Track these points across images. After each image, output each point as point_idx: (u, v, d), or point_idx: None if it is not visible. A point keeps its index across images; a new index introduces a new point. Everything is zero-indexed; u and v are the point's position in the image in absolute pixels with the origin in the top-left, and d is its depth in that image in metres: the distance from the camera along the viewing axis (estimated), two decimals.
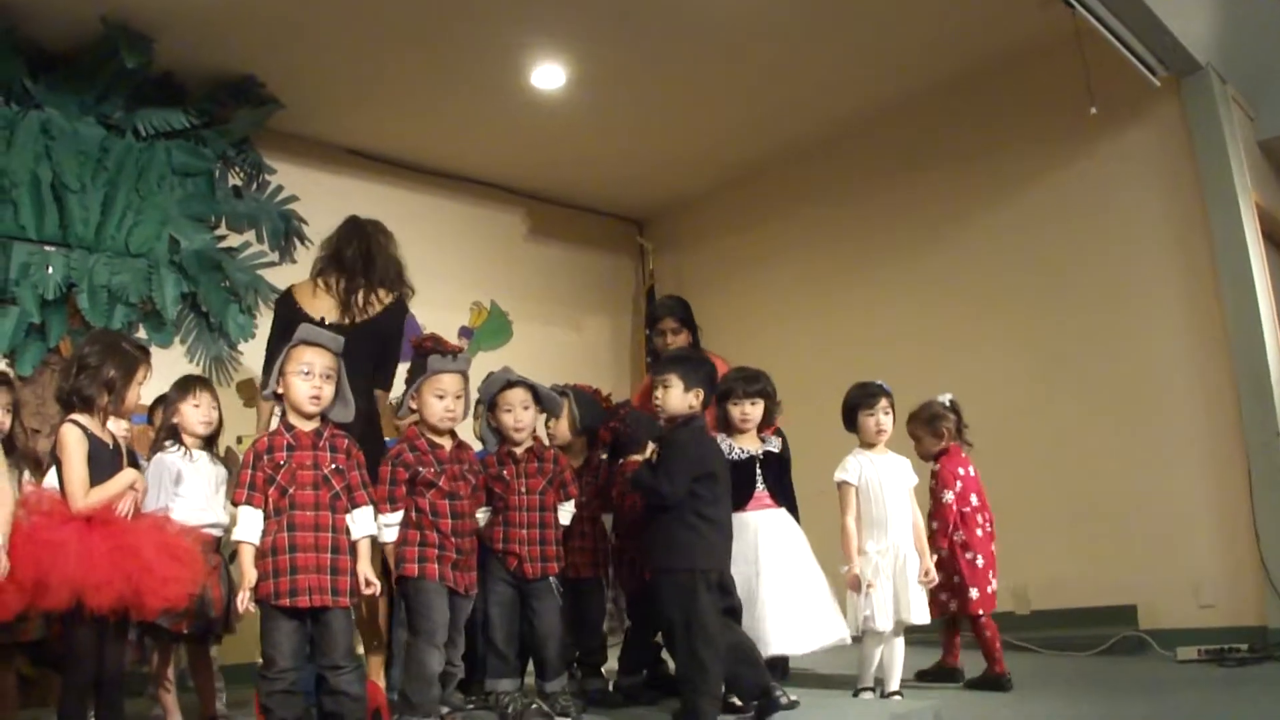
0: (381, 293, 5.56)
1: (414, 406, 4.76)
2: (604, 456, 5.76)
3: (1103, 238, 7.71)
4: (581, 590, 5.44)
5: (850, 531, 5.18)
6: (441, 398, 4.70)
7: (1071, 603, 7.38)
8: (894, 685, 5.20)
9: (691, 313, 6.58)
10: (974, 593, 5.71)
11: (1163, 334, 7.42)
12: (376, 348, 5.37)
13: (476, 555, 4.80)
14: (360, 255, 5.60)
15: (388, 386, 5.57)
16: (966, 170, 8.51)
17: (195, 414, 4.99)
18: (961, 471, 5.96)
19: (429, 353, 4.77)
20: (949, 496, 5.87)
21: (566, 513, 5.23)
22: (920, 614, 5.14)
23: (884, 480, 5.24)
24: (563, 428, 5.64)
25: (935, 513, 5.88)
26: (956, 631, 6.03)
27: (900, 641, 5.24)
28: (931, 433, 6.07)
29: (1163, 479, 7.24)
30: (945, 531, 5.82)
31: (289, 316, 5.23)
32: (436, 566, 4.53)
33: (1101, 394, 7.58)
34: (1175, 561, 7.09)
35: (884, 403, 5.36)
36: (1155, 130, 7.63)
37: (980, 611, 5.72)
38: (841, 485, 5.26)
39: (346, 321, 5.32)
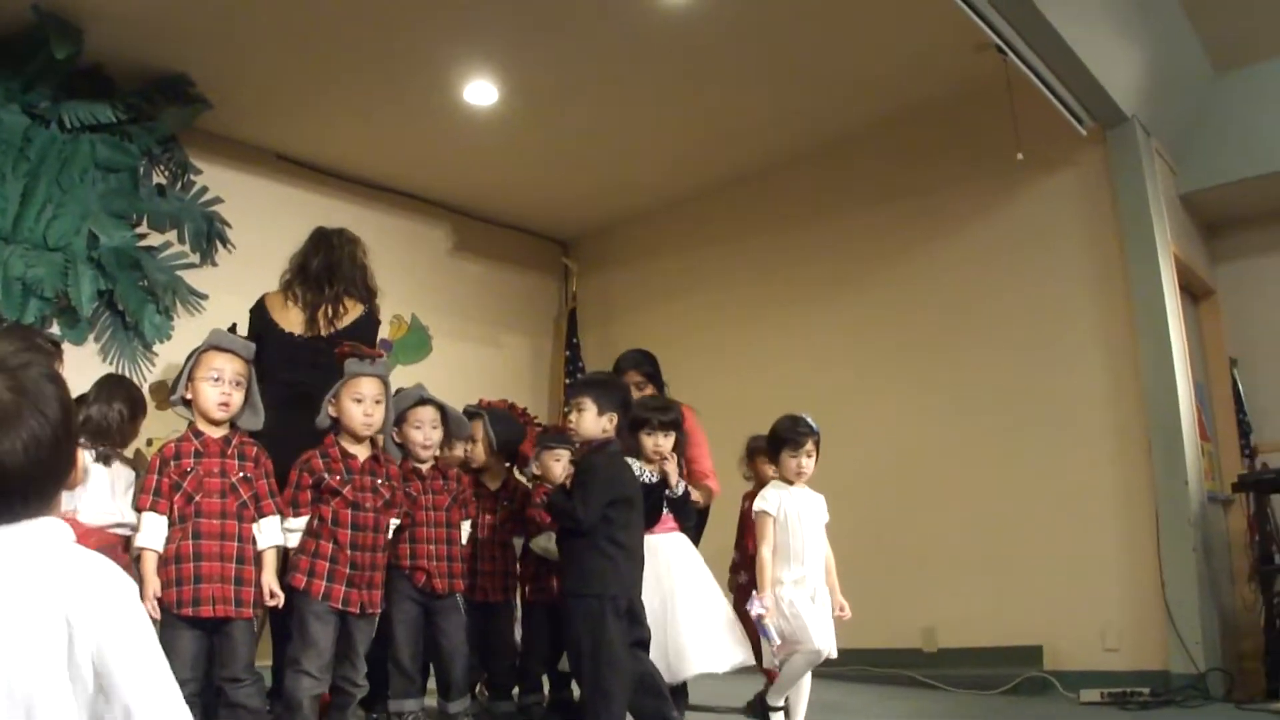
0: (349, 303, 5.57)
1: (333, 413, 4.69)
2: (520, 478, 5.75)
3: (1024, 282, 7.81)
4: (490, 613, 5.43)
5: (766, 561, 5.16)
6: (359, 402, 4.65)
7: (978, 641, 7.42)
8: (799, 717, 5.24)
9: (658, 366, 6.51)
10: None
11: (1079, 380, 7.50)
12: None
13: (381, 573, 4.72)
14: (324, 267, 5.61)
15: None
16: (894, 210, 8.57)
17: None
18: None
19: (347, 357, 4.74)
20: None
21: (464, 531, 5.23)
22: (831, 646, 5.10)
23: (801, 513, 5.22)
24: (479, 450, 5.63)
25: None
26: None
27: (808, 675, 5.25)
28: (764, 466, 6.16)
29: (1073, 522, 7.30)
30: None
31: (261, 327, 5.31)
32: (324, 583, 4.45)
33: (1016, 437, 7.65)
34: (1082, 604, 7.16)
35: (809, 444, 5.34)
36: (1080, 179, 7.74)
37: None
38: (760, 515, 5.24)
39: (311, 335, 5.34)
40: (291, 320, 5.39)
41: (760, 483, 6.21)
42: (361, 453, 4.70)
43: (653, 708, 4.65)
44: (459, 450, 5.59)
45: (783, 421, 5.46)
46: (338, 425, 4.70)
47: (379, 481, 4.71)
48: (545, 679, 5.76)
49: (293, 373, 5.18)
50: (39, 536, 1.76)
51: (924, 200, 8.41)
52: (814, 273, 9.04)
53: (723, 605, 5.49)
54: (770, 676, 5.64)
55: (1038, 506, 7.45)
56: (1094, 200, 7.65)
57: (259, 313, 5.46)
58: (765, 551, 5.16)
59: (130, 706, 1.72)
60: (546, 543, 5.56)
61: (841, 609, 5.25)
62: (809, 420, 5.37)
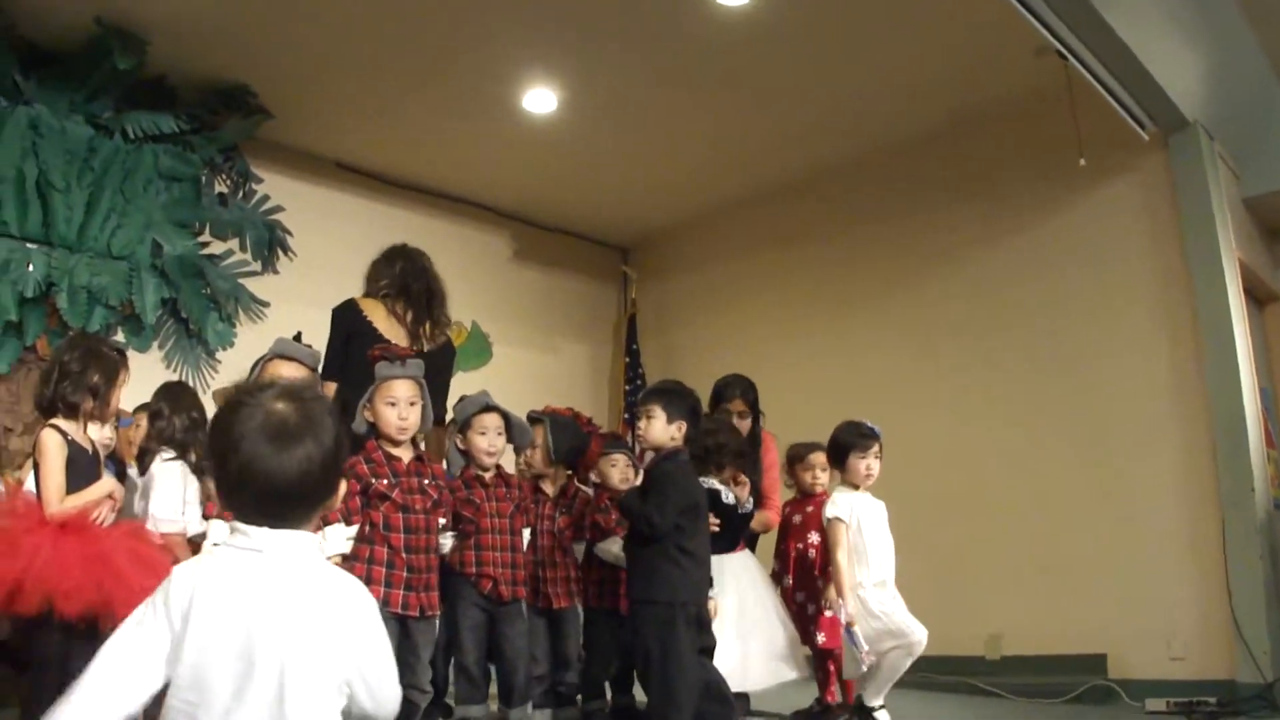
0: (437, 331, 5.77)
1: (369, 418, 4.69)
2: (581, 485, 5.76)
3: (1086, 287, 7.72)
4: (556, 619, 5.43)
5: (843, 567, 5.15)
6: (393, 405, 4.64)
7: (1042, 650, 7.35)
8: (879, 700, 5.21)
9: (758, 396, 6.55)
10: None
11: (1143, 386, 7.41)
12: (434, 381, 5.23)
13: (436, 574, 4.71)
14: (425, 291, 5.81)
15: (440, 421, 5.63)
16: (952, 215, 8.51)
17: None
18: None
19: (379, 360, 4.74)
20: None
21: (524, 538, 5.24)
22: (918, 629, 5.11)
23: (870, 518, 5.24)
24: (537, 457, 5.63)
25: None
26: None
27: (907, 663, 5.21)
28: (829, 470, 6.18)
29: (1138, 530, 7.21)
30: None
31: (358, 329, 5.42)
32: (382, 589, 4.44)
33: (1080, 443, 7.56)
34: (1147, 612, 7.06)
35: (876, 447, 5.35)
36: (1142, 184, 7.64)
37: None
38: (833, 522, 5.24)
39: (415, 350, 5.38)
40: (395, 333, 5.49)
41: (800, 491, 6.23)
42: (405, 455, 4.70)
43: (718, 714, 4.65)
44: (537, 455, 5.62)
45: (845, 426, 5.45)
46: (375, 430, 4.70)
47: (425, 482, 4.71)
48: (607, 685, 5.77)
49: None
50: (301, 545, 2.13)
51: (983, 206, 8.34)
52: (872, 277, 9.00)
53: (786, 622, 5.59)
54: (847, 687, 5.67)
55: (1102, 513, 7.36)
56: (1156, 205, 7.55)
57: (354, 315, 5.53)
58: (841, 557, 5.15)
59: (370, 683, 2.09)
60: (616, 549, 5.57)
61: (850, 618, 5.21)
62: (870, 424, 5.38)
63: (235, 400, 2.15)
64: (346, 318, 5.50)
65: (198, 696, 1.99)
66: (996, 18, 6.15)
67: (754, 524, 6.04)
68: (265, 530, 2.09)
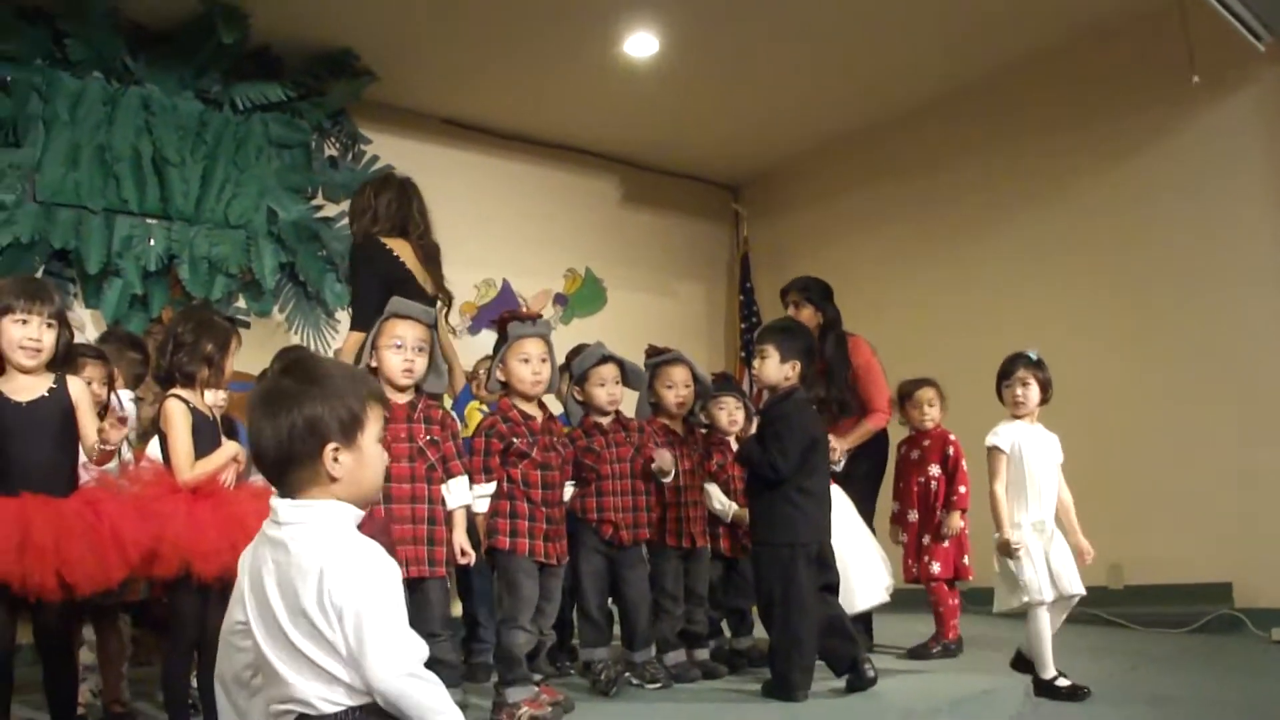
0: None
1: (502, 378, 4.76)
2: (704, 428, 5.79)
3: (1203, 207, 7.54)
4: (686, 557, 5.50)
5: (1000, 498, 4.94)
6: (526, 361, 4.71)
7: (1165, 579, 7.25)
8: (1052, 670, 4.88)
9: (820, 294, 6.46)
10: (966, 558, 6.04)
11: (1263, 308, 7.24)
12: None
13: (564, 525, 4.82)
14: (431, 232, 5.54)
15: None
16: (1063, 140, 8.34)
17: None
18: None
19: (509, 321, 4.81)
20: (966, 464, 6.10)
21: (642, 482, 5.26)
22: (1076, 584, 4.85)
23: (1034, 452, 5.01)
24: (689, 395, 5.62)
25: (962, 478, 6.08)
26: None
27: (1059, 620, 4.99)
28: (941, 404, 6.23)
29: (1262, 455, 7.05)
30: (968, 494, 6.05)
31: (393, 272, 5.13)
32: (528, 540, 4.55)
33: (1200, 369, 7.42)
34: (1274, 540, 6.90)
35: (1022, 373, 5.10)
36: (1259, 97, 7.42)
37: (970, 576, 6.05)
38: (992, 451, 5.01)
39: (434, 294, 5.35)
40: (423, 277, 5.28)
41: (913, 428, 6.19)
42: (538, 414, 4.78)
43: (842, 649, 4.69)
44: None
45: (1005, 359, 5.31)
46: (507, 388, 4.77)
47: (556, 440, 4.79)
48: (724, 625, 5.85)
49: None
50: (311, 513, 2.27)
51: (1094, 129, 8.17)
52: (984, 205, 8.89)
53: (876, 545, 5.69)
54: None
55: (1225, 440, 7.24)
56: (1274, 120, 7.34)
57: (387, 258, 5.18)
58: (998, 488, 4.93)
59: (354, 648, 2.14)
60: (719, 502, 5.61)
61: (1084, 553, 4.99)
62: (1025, 351, 5.18)
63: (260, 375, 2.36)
64: (378, 261, 5.15)
65: (262, 662, 2.24)
66: None
67: (870, 424, 6.14)
68: (285, 503, 2.28)
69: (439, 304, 5.31)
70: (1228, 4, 6.69)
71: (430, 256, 5.36)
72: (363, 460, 2.31)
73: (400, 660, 2.14)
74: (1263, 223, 7.33)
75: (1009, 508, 4.91)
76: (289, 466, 2.26)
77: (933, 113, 9.29)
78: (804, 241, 10.26)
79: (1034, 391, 5.06)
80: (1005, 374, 5.14)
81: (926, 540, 6.05)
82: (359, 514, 2.31)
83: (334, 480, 2.27)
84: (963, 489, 6.02)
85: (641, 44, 8.04)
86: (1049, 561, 4.81)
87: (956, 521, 5.94)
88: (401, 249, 5.21)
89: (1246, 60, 7.21)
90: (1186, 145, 7.68)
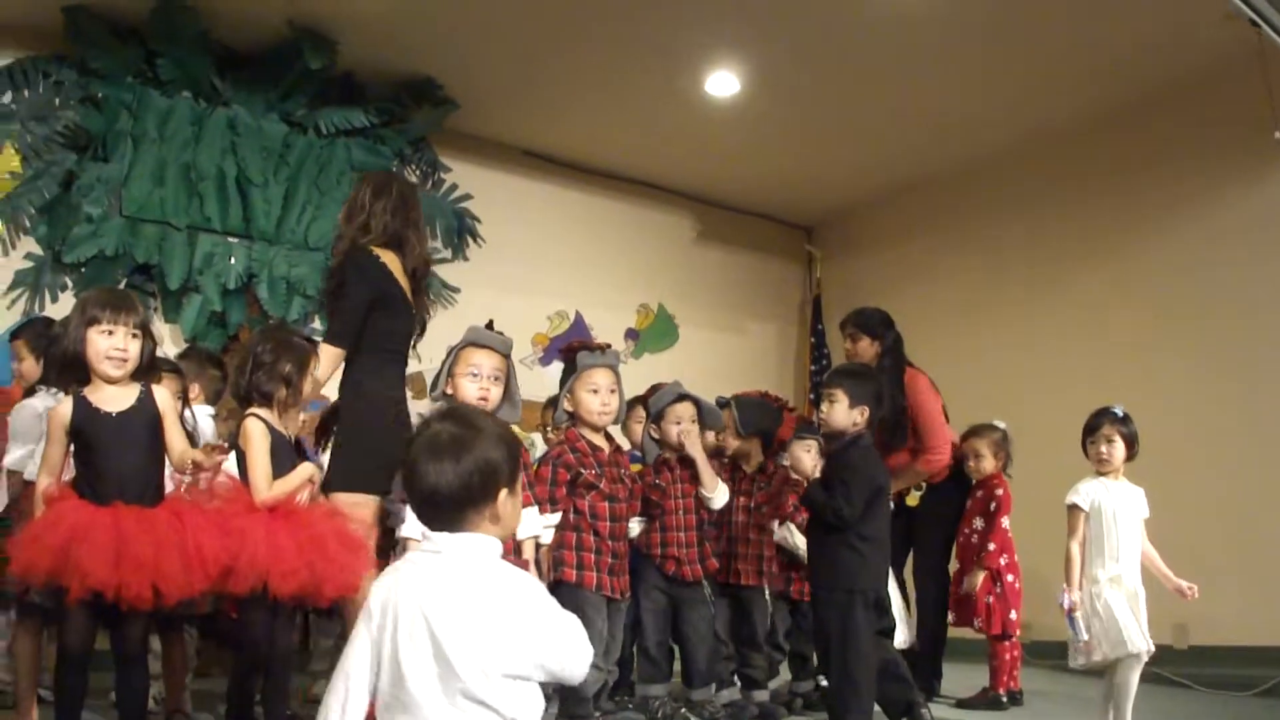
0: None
1: (569, 408, 4.78)
2: (782, 460, 5.76)
3: None
4: (743, 598, 5.48)
5: (1074, 556, 4.95)
6: (595, 392, 4.74)
7: (1231, 640, 7.14)
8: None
9: (877, 323, 6.40)
10: (1014, 614, 5.88)
11: None
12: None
13: (627, 560, 4.83)
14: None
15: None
16: (1140, 194, 8.26)
17: None
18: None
19: (578, 351, 4.82)
20: (1007, 521, 5.96)
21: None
22: (1148, 643, 4.83)
23: (1117, 508, 4.98)
24: (728, 436, 5.66)
25: (994, 535, 5.91)
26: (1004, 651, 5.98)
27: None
28: (994, 455, 6.08)
29: None
30: (1009, 552, 5.94)
31: (387, 289, 4.73)
32: (595, 574, 4.57)
33: (1269, 431, 7.31)
34: None
35: (1107, 429, 5.07)
36: None
37: (1016, 632, 5.92)
38: (1071, 509, 5.02)
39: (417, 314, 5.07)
40: (410, 296, 4.89)
41: (979, 474, 6.12)
42: (605, 445, 4.80)
43: (898, 694, 4.68)
44: (726, 436, 5.67)
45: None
46: (574, 419, 4.79)
47: (623, 472, 4.82)
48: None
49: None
50: (475, 545, 2.36)
51: (1174, 182, 8.06)
52: (1062, 255, 8.79)
53: (896, 595, 5.59)
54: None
55: None
56: None
57: (381, 271, 4.74)
58: (1074, 546, 4.95)
59: (551, 668, 2.29)
60: (790, 538, 5.61)
61: (1189, 589, 4.99)
62: (1110, 407, 5.14)
63: (421, 423, 2.50)
64: (370, 275, 4.70)
65: (399, 690, 2.28)
66: None
67: (919, 466, 6.05)
68: (444, 534, 2.37)
69: (419, 327, 5.05)
70: None
71: (420, 273, 5.01)
72: (516, 504, 2.46)
73: (588, 649, 2.35)
74: None
75: (1088, 564, 4.91)
76: (465, 506, 2.36)
77: (1007, 162, 9.24)
78: (876, 285, 10.18)
79: (1119, 448, 5.02)
80: (1090, 429, 5.11)
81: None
82: (501, 551, 2.42)
83: (497, 521, 2.39)
84: (992, 546, 5.89)
85: (722, 83, 8.07)
86: (1130, 618, 4.78)
87: (976, 580, 5.85)
88: (392, 263, 4.82)
89: None
90: (1266, 201, 7.59)
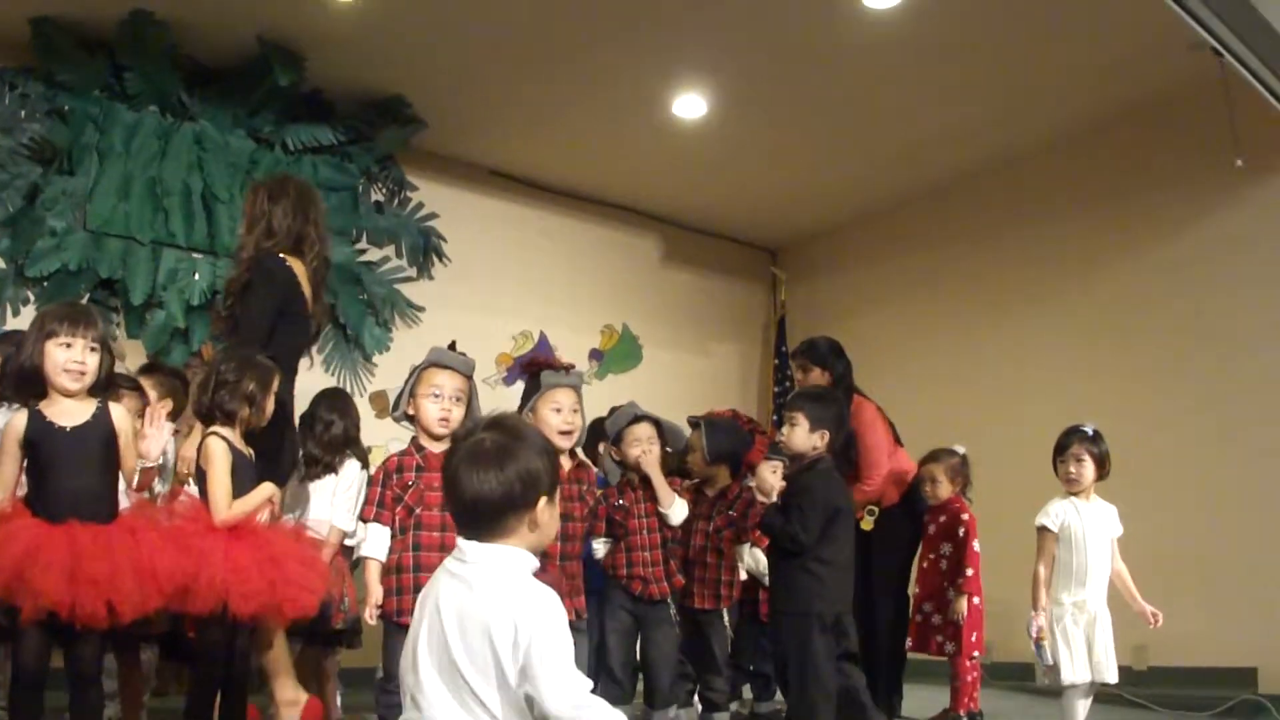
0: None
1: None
2: (748, 483, 5.78)
3: (1244, 289, 7.51)
4: (701, 621, 5.50)
5: (1040, 579, 5.01)
6: (559, 411, 4.73)
7: (1190, 661, 7.19)
8: None
9: (826, 352, 6.30)
10: (974, 635, 5.88)
11: None
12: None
13: (582, 580, 4.80)
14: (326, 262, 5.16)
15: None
16: (1103, 218, 8.33)
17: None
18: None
19: (541, 369, 4.84)
20: (977, 545, 5.95)
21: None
22: (1107, 673, 4.91)
23: (1087, 529, 5.03)
24: (696, 460, 5.69)
25: (967, 558, 5.90)
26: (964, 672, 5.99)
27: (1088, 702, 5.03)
28: (950, 480, 6.09)
29: None
30: (977, 576, 5.92)
31: (292, 301, 4.82)
32: None
33: (1232, 447, 7.38)
34: None
35: (1076, 448, 5.12)
36: None
37: (976, 653, 5.94)
38: (1039, 530, 5.08)
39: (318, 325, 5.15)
40: (311, 301, 4.94)
41: (935, 500, 6.13)
42: (566, 463, 4.76)
43: (858, 718, 4.68)
44: (696, 458, 5.70)
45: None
46: None
47: (583, 489, 4.82)
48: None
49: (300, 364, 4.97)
50: (500, 556, 2.47)
51: (1136, 206, 8.15)
52: (1023, 278, 8.87)
53: None
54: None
55: (1256, 523, 7.18)
56: None
57: (288, 277, 4.80)
58: (1040, 569, 5.01)
59: (537, 688, 2.32)
60: (752, 562, 5.63)
61: (1153, 615, 5.07)
62: (1079, 426, 5.20)
63: (465, 431, 2.63)
64: (278, 281, 4.76)
65: (415, 679, 2.45)
66: (1148, 15, 6.06)
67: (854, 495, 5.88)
68: (473, 544, 2.48)
69: (316, 333, 5.10)
70: (1273, 89, 6.72)
71: (320, 279, 5.05)
72: (554, 513, 2.57)
73: (575, 692, 2.34)
74: None
75: (1052, 586, 4.98)
76: (506, 514, 2.47)
77: (973, 186, 9.31)
78: (841, 307, 10.25)
79: (1088, 468, 5.09)
80: (1060, 449, 5.18)
81: (938, 620, 5.96)
82: (536, 564, 2.53)
83: (535, 528, 2.50)
84: (969, 571, 5.90)
85: (690, 106, 8.09)
86: (1090, 644, 4.86)
87: (962, 606, 5.85)
88: (298, 269, 4.87)
89: None
90: (1230, 227, 7.66)
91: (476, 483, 2.44)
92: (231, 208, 7.19)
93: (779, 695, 5.63)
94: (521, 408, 4.90)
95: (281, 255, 4.80)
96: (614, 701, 4.94)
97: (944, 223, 9.58)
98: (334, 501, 5.03)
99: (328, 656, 5.24)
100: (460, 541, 2.51)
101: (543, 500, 2.49)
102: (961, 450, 6.17)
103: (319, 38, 7.09)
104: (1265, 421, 7.27)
